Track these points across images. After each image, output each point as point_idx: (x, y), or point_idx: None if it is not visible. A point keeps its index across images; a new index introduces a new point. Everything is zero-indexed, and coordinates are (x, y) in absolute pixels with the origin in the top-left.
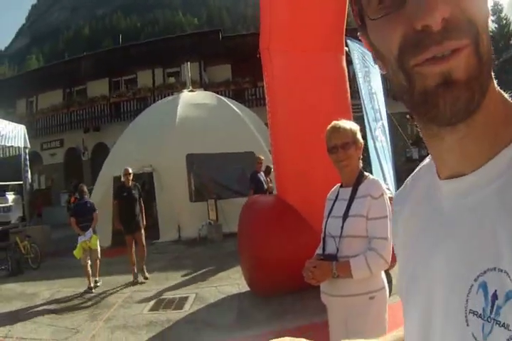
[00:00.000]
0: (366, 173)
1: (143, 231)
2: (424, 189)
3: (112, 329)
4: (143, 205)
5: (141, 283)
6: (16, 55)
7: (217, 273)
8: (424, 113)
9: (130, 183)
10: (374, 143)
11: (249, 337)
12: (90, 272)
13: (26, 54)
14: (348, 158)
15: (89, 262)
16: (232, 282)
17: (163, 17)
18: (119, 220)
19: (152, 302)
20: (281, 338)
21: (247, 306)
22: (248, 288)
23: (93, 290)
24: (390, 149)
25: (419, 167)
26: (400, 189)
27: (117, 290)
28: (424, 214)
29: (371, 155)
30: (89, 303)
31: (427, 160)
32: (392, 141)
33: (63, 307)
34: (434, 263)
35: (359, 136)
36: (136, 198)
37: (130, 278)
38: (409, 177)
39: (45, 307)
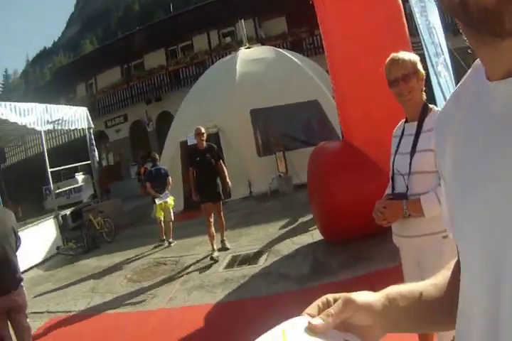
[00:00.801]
0: (431, 105)
1: (221, 202)
2: (470, 98)
3: (189, 291)
4: (225, 169)
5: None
6: (70, 43)
7: (290, 224)
8: (486, 30)
9: (204, 145)
10: (437, 78)
11: (324, 287)
12: (164, 229)
13: (80, 40)
14: (410, 90)
15: (162, 219)
16: (306, 232)
17: None
18: (195, 190)
19: (227, 260)
20: (323, 296)
21: (322, 255)
22: (322, 237)
23: (165, 244)
24: (454, 85)
25: (462, 79)
26: (444, 104)
27: (192, 252)
28: (473, 126)
29: (435, 91)
30: (165, 268)
31: (469, 71)
32: (455, 76)
33: (139, 275)
34: (493, 182)
35: (420, 66)
36: (211, 162)
37: (204, 239)
38: (452, 92)
39: (121, 277)
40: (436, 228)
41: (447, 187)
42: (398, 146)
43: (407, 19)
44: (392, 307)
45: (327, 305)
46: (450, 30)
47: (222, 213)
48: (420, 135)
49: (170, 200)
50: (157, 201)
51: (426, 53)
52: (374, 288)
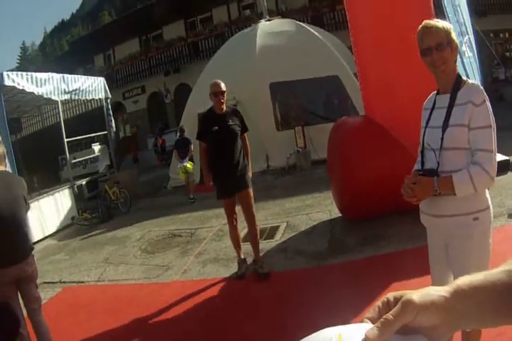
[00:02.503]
0: (464, 78)
1: (251, 190)
2: None
3: (203, 263)
4: (248, 144)
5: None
6: (88, 14)
7: (308, 200)
8: None
9: (224, 108)
10: (461, 58)
11: (341, 265)
12: (190, 188)
13: (98, 12)
14: (444, 61)
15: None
16: (323, 209)
17: None
18: (209, 173)
19: (243, 234)
20: (384, 296)
21: (339, 233)
22: (339, 214)
23: (191, 201)
24: (478, 66)
25: None
26: None
27: (207, 225)
28: None
29: (459, 70)
30: (180, 240)
31: None
32: (479, 57)
33: (154, 246)
34: None
35: (454, 35)
36: (236, 133)
37: (220, 211)
38: None
39: (136, 248)
40: (467, 209)
41: None
42: (429, 119)
43: None
44: (461, 302)
45: (387, 306)
46: (475, 11)
47: (254, 210)
48: (453, 108)
49: (189, 165)
50: (178, 165)
51: None
52: (391, 268)
